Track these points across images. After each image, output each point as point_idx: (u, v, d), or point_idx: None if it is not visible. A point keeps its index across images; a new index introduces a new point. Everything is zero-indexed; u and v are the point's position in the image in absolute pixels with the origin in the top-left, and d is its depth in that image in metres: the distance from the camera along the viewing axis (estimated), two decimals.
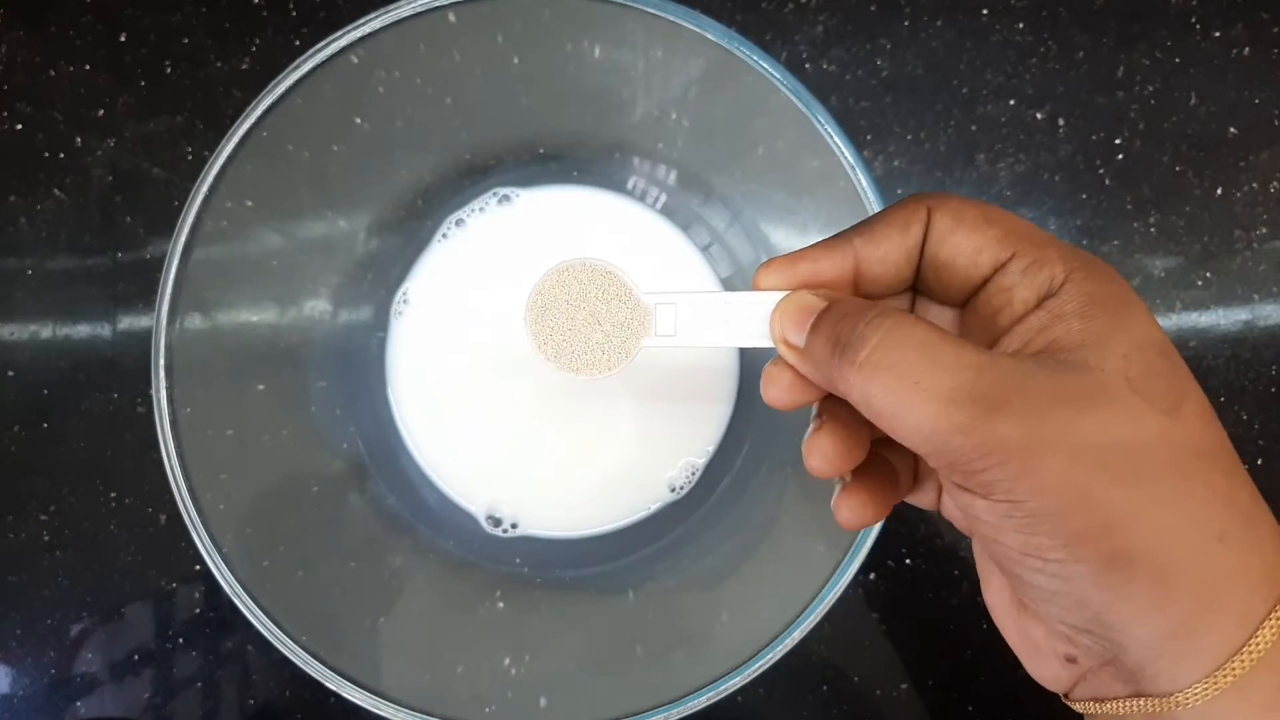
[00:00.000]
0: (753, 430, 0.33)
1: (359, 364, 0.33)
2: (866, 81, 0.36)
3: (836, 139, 0.26)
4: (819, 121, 0.26)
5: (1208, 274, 0.36)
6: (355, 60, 0.27)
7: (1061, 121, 0.36)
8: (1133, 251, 0.36)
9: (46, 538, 0.35)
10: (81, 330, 0.36)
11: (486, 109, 0.31)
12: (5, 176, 0.36)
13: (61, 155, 0.36)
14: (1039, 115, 0.36)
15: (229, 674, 0.35)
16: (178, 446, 0.26)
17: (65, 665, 0.35)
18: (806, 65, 0.36)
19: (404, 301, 0.34)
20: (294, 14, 0.36)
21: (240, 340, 0.30)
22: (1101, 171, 0.36)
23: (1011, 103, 0.36)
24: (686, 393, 0.33)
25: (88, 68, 0.36)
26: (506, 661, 0.29)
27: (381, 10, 0.27)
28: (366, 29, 0.27)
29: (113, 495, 0.35)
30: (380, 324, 0.33)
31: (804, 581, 0.26)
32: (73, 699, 0.35)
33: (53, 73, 0.36)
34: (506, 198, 0.34)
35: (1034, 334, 0.17)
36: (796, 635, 0.26)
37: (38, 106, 0.36)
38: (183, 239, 0.27)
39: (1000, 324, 0.18)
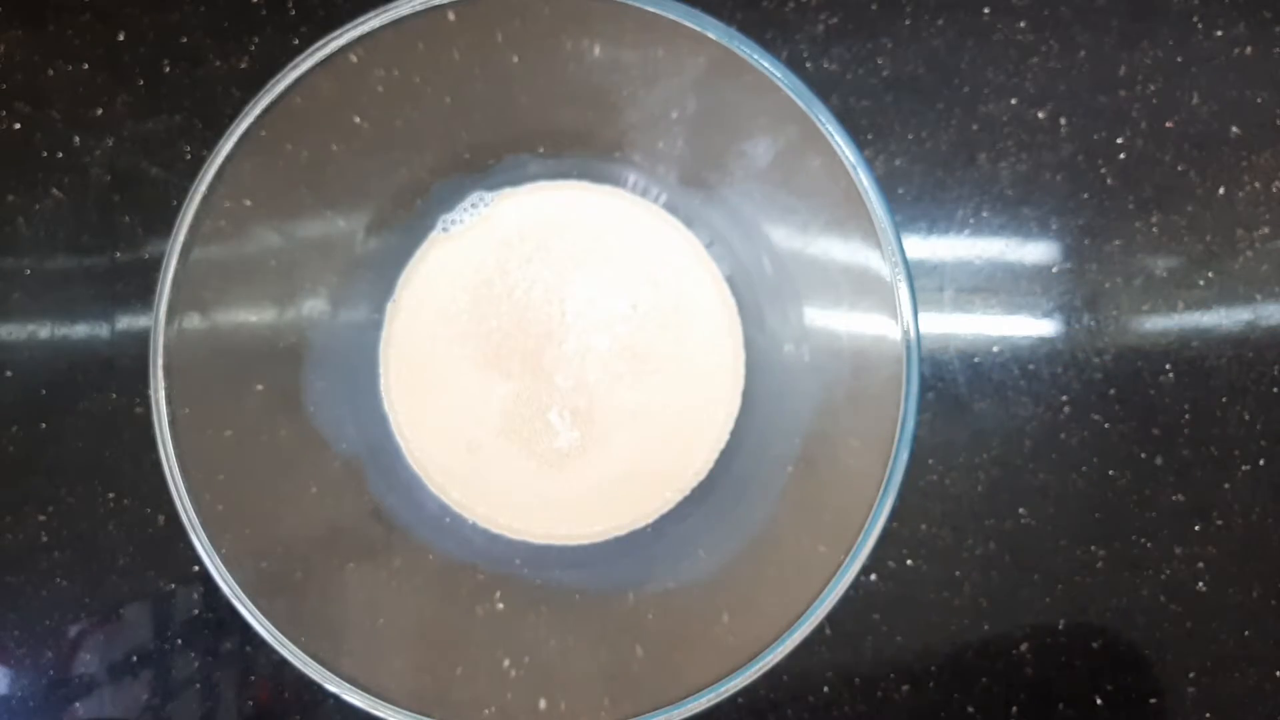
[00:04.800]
0: (754, 431, 0.33)
1: (358, 364, 0.33)
2: (867, 80, 0.36)
3: (838, 138, 0.26)
4: (820, 120, 0.26)
5: (1210, 274, 0.36)
6: (354, 59, 0.27)
7: (1063, 120, 0.36)
8: (1135, 251, 0.36)
9: (44, 538, 0.35)
10: (80, 330, 0.36)
11: (486, 107, 0.31)
12: (3, 176, 0.36)
13: (60, 155, 0.36)
14: (1040, 114, 0.36)
15: (227, 675, 0.35)
16: (176, 447, 0.26)
17: (63, 666, 0.35)
18: (807, 64, 0.36)
19: (400, 300, 0.33)
20: (293, 13, 0.36)
21: (238, 340, 0.30)
22: (1103, 171, 0.36)
23: (1013, 102, 0.36)
24: (689, 394, 0.33)
25: (86, 67, 0.36)
26: (506, 663, 0.29)
27: (380, 9, 0.27)
28: (365, 28, 0.27)
29: (111, 496, 0.35)
30: (378, 323, 0.33)
31: (805, 583, 0.26)
32: (71, 700, 0.35)
33: (51, 72, 0.36)
34: (506, 196, 0.34)
35: None
36: (797, 637, 0.26)
37: (36, 106, 0.36)
38: (181, 238, 0.27)
39: None
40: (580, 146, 0.33)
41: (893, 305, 0.26)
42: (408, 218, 0.33)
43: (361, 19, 0.27)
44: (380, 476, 0.32)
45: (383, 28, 0.27)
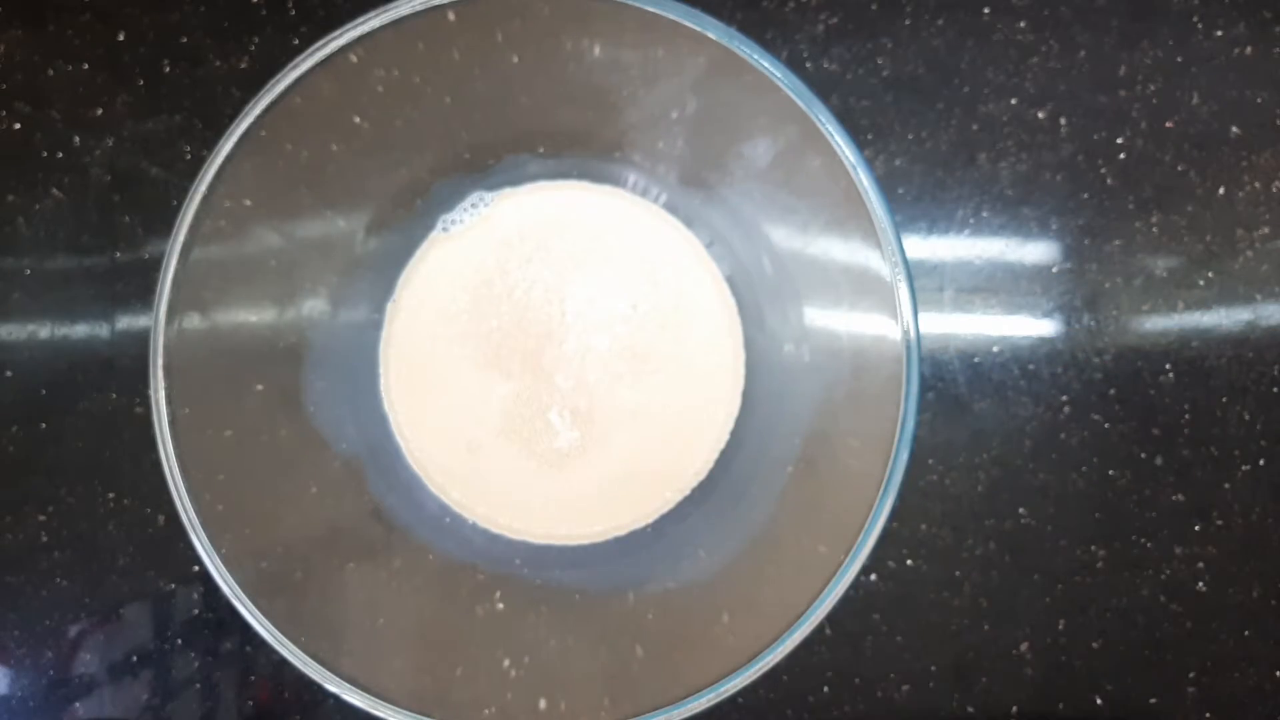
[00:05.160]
0: (754, 431, 0.33)
1: (358, 364, 0.33)
2: (867, 80, 0.36)
3: (838, 138, 0.26)
4: (820, 120, 0.26)
5: (1210, 274, 0.36)
6: (354, 59, 0.27)
7: (1063, 120, 0.36)
8: (1134, 251, 0.36)
9: (44, 538, 0.35)
10: (79, 330, 0.36)
11: (486, 107, 0.31)
12: (3, 176, 0.36)
13: (60, 155, 0.36)
14: (1040, 114, 0.36)
15: (227, 675, 0.35)
16: (176, 447, 0.26)
17: (63, 666, 0.35)
18: (807, 64, 0.36)
19: (400, 300, 0.33)
20: (292, 13, 0.36)
21: (238, 340, 0.30)
22: (1103, 171, 0.36)
23: (1013, 102, 0.36)
24: (689, 394, 0.33)
25: (86, 67, 0.36)
26: (506, 663, 0.29)
27: (380, 9, 0.27)
28: (365, 28, 0.27)
29: (111, 496, 0.35)
30: (378, 323, 0.33)
31: (805, 583, 0.26)
32: (71, 700, 0.35)
33: (51, 72, 0.36)
34: (506, 196, 0.34)
35: None
36: (797, 637, 0.26)
37: (36, 106, 0.36)
38: (181, 238, 0.27)
39: None
40: (580, 146, 0.33)
41: (893, 305, 0.26)
42: (408, 218, 0.33)
43: (361, 19, 0.26)
44: (380, 476, 0.32)
45: (383, 28, 0.27)
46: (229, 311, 0.29)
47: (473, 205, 0.34)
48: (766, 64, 0.26)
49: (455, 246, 0.34)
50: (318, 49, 0.27)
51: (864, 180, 0.26)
